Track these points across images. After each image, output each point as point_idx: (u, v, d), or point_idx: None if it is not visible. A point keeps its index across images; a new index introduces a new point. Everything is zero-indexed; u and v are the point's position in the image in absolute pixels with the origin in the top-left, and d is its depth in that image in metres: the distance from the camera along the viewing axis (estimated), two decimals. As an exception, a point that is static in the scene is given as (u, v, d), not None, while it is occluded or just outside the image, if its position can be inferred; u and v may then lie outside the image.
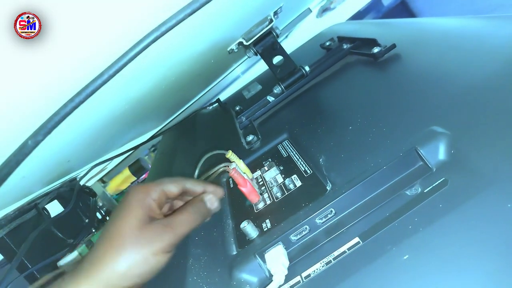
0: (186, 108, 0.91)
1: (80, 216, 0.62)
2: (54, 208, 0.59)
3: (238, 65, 0.89)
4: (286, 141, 0.47)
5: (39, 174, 0.44)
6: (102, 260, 0.27)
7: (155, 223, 0.29)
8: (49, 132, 0.27)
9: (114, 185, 0.95)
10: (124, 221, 0.28)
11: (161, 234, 0.28)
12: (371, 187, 0.30)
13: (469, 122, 0.28)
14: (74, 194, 0.60)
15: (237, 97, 0.86)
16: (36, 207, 0.54)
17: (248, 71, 0.99)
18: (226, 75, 0.90)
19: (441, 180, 0.27)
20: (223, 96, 0.94)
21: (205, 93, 0.88)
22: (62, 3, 0.21)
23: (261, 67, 0.95)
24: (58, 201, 0.60)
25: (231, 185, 0.46)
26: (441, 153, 0.28)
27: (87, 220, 0.63)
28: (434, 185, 0.27)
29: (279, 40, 0.60)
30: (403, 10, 1.48)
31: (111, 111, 0.41)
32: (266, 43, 0.59)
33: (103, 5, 0.23)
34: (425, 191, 0.27)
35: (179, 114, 0.92)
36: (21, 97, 0.25)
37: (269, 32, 0.58)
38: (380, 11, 1.45)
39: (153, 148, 1.14)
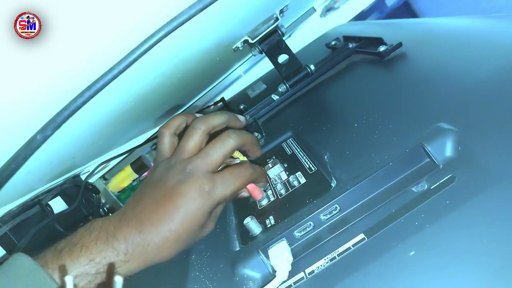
0: (189, 106, 0.91)
1: (83, 213, 0.62)
2: (57, 205, 0.59)
3: (242, 64, 0.89)
4: (290, 139, 0.47)
5: (44, 169, 0.44)
6: (165, 248, 0.30)
7: (209, 220, 0.34)
8: (58, 126, 0.27)
9: (116, 183, 0.95)
10: (195, 221, 0.31)
11: (212, 229, 0.35)
12: (376, 183, 0.29)
13: (477, 118, 0.28)
14: (81, 191, 0.60)
15: (242, 96, 0.86)
16: (39, 203, 0.54)
17: (251, 70, 0.98)
18: (230, 73, 0.90)
19: (448, 176, 0.26)
20: (227, 95, 0.94)
21: (208, 91, 0.88)
22: (63, 3, 0.21)
23: (264, 66, 0.95)
24: (61, 198, 0.59)
25: (235, 182, 0.46)
26: (448, 149, 0.28)
27: (90, 217, 0.63)
28: (441, 181, 0.26)
29: (284, 39, 0.60)
30: (406, 11, 1.48)
31: (118, 107, 0.41)
32: (271, 42, 0.59)
33: (107, 3, 0.23)
34: (431, 187, 0.27)
35: (182, 112, 0.92)
36: (23, 96, 0.25)
37: (275, 31, 0.58)
38: (384, 12, 1.45)
39: (154, 146, 1.14)
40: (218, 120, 0.36)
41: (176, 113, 0.85)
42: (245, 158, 0.41)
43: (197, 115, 0.39)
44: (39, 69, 0.24)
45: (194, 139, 0.34)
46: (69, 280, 0.24)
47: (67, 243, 0.30)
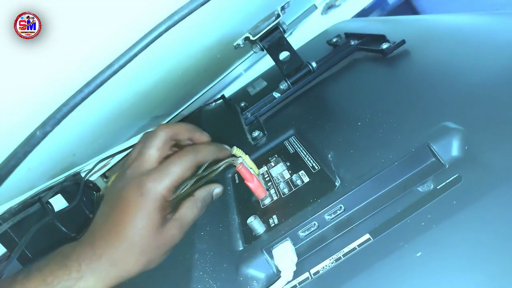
0: (189, 104, 0.91)
1: (84, 210, 0.62)
2: (58, 202, 0.59)
3: (243, 61, 0.89)
4: (292, 137, 0.47)
5: (44, 167, 0.44)
6: (122, 259, 0.29)
7: (170, 225, 0.31)
8: (58, 122, 0.27)
9: (117, 181, 0.95)
10: (143, 223, 0.29)
11: (176, 236, 0.31)
12: (381, 183, 0.29)
13: (483, 117, 0.28)
14: (80, 189, 0.60)
15: (242, 93, 0.85)
16: (40, 200, 0.53)
17: (252, 68, 0.98)
18: (231, 71, 0.90)
19: (454, 176, 0.26)
20: (227, 93, 0.93)
21: (209, 88, 0.88)
22: (62, 3, 0.21)
23: (265, 64, 0.95)
24: (62, 195, 0.59)
25: (237, 181, 0.45)
26: (455, 149, 0.28)
27: (91, 215, 0.62)
28: (447, 181, 0.26)
29: (285, 36, 0.60)
30: (408, 8, 1.47)
31: (118, 104, 0.41)
32: (272, 38, 0.58)
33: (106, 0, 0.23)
34: (438, 187, 0.26)
35: (182, 110, 0.91)
36: (22, 95, 0.25)
37: (276, 27, 0.57)
38: (385, 9, 1.44)
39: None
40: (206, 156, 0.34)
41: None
42: (247, 156, 0.41)
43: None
44: (39, 69, 0.24)
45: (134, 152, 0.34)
46: None
47: (28, 270, 0.29)
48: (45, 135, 0.27)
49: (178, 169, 0.30)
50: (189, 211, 0.32)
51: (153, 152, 0.32)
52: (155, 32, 0.26)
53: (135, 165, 0.31)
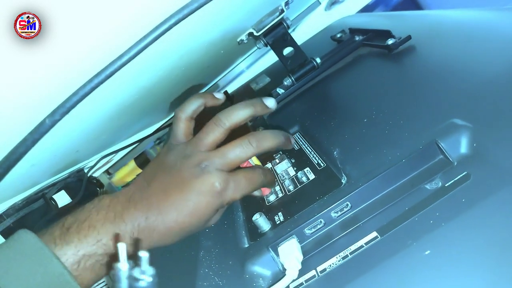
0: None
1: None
2: (61, 199, 0.59)
3: (246, 57, 0.88)
4: (297, 134, 0.46)
5: (48, 163, 0.44)
6: (169, 235, 0.31)
7: (217, 216, 0.35)
8: (67, 112, 0.27)
9: (120, 177, 0.95)
10: (202, 211, 0.31)
11: (216, 221, 0.35)
12: (389, 180, 0.29)
13: (492, 114, 0.27)
14: (83, 185, 0.60)
15: (245, 89, 0.85)
16: (43, 197, 0.53)
17: (254, 65, 0.97)
18: (234, 67, 0.90)
19: (463, 174, 0.26)
20: (230, 89, 0.93)
21: (212, 85, 0.88)
22: (63, 3, 0.20)
23: (267, 60, 0.94)
24: (66, 192, 0.59)
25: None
26: (463, 146, 0.27)
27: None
28: (455, 179, 0.26)
29: (289, 32, 0.59)
30: (411, 4, 1.46)
31: (122, 100, 0.41)
32: (276, 34, 0.58)
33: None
34: (446, 185, 0.26)
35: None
36: (23, 95, 0.25)
37: (280, 23, 0.57)
38: (388, 5, 1.44)
39: (158, 141, 1.14)
40: (243, 115, 0.34)
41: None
42: (259, 163, 0.40)
43: (216, 94, 0.37)
44: (38, 69, 0.24)
45: (215, 135, 0.33)
46: (122, 247, 0.24)
47: (74, 219, 0.29)
48: (54, 123, 0.28)
49: (247, 185, 0.33)
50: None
51: (236, 162, 0.33)
52: (163, 26, 0.26)
53: (215, 162, 0.32)
